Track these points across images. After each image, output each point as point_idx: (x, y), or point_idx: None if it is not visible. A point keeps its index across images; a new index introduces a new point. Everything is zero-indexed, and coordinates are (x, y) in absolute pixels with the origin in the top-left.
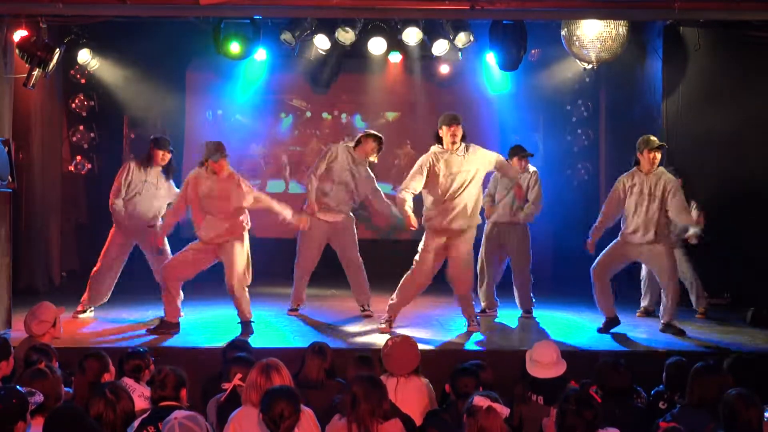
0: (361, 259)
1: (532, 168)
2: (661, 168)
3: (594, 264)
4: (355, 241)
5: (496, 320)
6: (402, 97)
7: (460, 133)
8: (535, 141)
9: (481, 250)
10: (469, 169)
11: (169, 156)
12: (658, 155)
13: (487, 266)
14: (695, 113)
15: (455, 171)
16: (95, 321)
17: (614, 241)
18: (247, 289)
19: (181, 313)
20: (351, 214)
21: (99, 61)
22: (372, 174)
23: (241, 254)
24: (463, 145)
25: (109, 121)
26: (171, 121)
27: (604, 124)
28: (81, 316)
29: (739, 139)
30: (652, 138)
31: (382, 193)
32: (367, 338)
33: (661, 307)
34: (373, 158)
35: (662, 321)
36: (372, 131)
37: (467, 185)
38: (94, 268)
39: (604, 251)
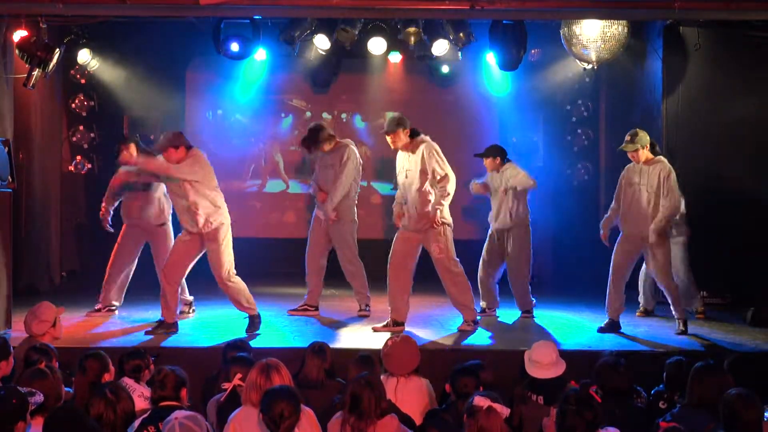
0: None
1: (507, 165)
2: (660, 158)
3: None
4: (345, 240)
5: (496, 320)
6: (402, 97)
7: (392, 140)
8: (535, 141)
9: (484, 247)
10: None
11: (126, 147)
12: (629, 155)
13: (488, 265)
14: (695, 113)
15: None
16: (95, 321)
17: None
18: (236, 280)
19: (187, 314)
20: (350, 213)
21: (99, 61)
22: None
23: (217, 246)
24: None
25: (109, 121)
26: (171, 121)
27: (604, 124)
28: None
29: (739, 138)
30: (626, 138)
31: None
32: (367, 338)
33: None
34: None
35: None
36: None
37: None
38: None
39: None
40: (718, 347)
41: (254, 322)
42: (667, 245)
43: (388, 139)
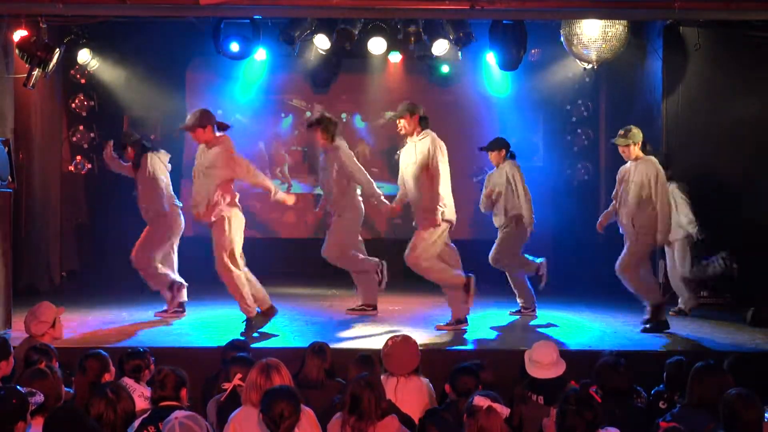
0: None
1: (506, 163)
2: (650, 158)
3: None
4: (334, 236)
5: (491, 320)
6: (402, 97)
7: (401, 125)
8: (535, 141)
9: None
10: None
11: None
12: (620, 149)
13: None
14: (695, 113)
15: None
16: (95, 321)
17: None
18: (240, 278)
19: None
20: (348, 210)
21: (99, 61)
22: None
23: (218, 235)
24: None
25: (109, 121)
26: (171, 122)
27: (604, 124)
28: None
29: (739, 138)
30: (619, 132)
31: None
32: (367, 338)
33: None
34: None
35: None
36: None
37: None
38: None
39: None
40: (719, 347)
41: (249, 328)
42: (641, 244)
43: (399, 124)
